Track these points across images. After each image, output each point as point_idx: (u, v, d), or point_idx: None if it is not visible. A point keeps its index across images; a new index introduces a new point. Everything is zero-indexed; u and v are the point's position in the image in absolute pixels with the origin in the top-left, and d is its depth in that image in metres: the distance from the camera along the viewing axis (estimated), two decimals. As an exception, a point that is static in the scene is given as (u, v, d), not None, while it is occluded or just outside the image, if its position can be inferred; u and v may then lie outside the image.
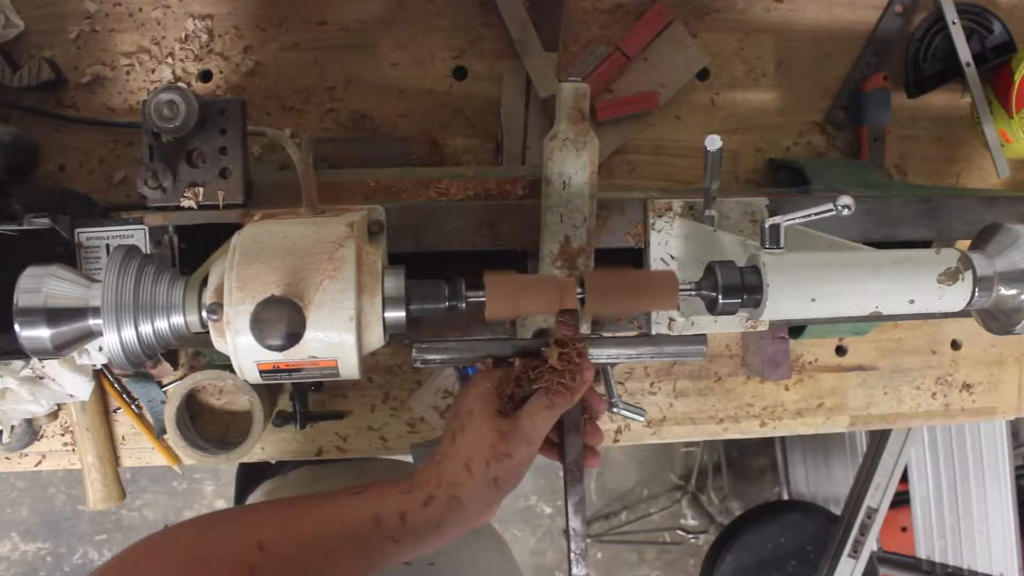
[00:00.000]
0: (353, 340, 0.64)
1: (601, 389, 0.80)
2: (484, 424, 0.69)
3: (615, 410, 0.79)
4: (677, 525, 2.75)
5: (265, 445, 1.10)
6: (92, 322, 0.63)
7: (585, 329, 0.85)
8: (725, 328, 0.87)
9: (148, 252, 0.80)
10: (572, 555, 0.73)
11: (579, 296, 0.67)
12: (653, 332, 0.88)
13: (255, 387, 1.03)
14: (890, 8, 1.17)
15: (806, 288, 0.65)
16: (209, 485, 2.53)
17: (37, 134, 1.02)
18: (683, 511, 2.76)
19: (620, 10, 1.12)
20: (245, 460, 1.07)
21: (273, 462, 1.28)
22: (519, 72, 1.08)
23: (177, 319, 0.66)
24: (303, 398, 1.07)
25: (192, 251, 0.83)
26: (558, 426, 0.74)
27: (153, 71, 1.04)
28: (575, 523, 0.73)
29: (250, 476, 1.31)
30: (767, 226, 0.67)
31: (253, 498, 1.18)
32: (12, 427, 1.03)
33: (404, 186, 0.90)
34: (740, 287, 0.66)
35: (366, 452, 1.11)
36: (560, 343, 0.71)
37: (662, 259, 0.86)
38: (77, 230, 0.81)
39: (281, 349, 0.60)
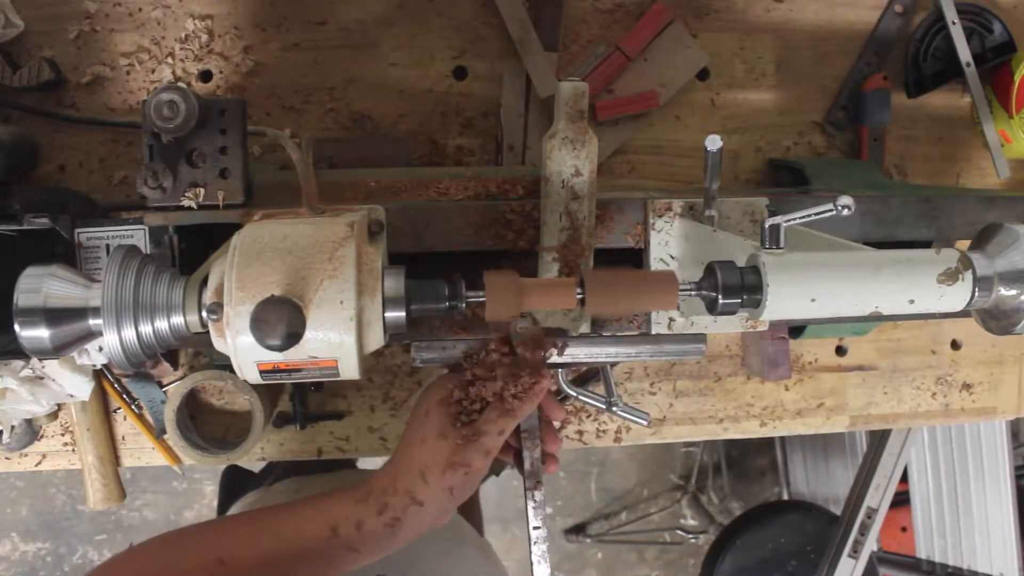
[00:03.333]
0: (353, 340, 0.64)
1: (601, 389, 0.81)
2: (442, 433, 0.70)
3: (614, 411, 0.79)
4: (677, 525, 2.75)
5: (265, 445, 1.10)
6: (92, 322, 0.63)
7: (585, 329, 0.85)
8: (725, 328, 0.87)
9: (148, 252, 0.80)
10: (534, 557, 0.75)
11: (579, 296, 0.67)
12: (653, 332, 0.88)
13: (255, 387, 1.03)
14: (890, 8, 1.17)
15: (806, 288, 0.65)
16: (209, 485, 2.53)
17: (37, 134, 1.02)
18: (683, 511, 2.76)
19: (620, 10, 1.12)
20: (240, 462, 1.07)
21: (256, 471, 1.29)
22: (519, 72, 1.08)
23: (177, 319, 0.66)
24: (303, 398, 1.07)
25: (192, 251, 0.83)
26: (516, 432, 0.74)
27: (153, 71, 1.04)
28: (535, 525, 0.75)
29: (234, 484, 1.32)
30: (767, 226, 0.67)
31: (234, 510, 1.19)
32: (12, 427, 1.03)
33: (404, 186, 0.90)
34: (740, 287, 0.66)
35: (366, 452, 1.11)
36: (503, 350, 0.72)
37: (662, 259, 0.86)
38: (77, 230, 0.81)
39: (281, 349, 0.60)
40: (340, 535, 0.69)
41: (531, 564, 0.74)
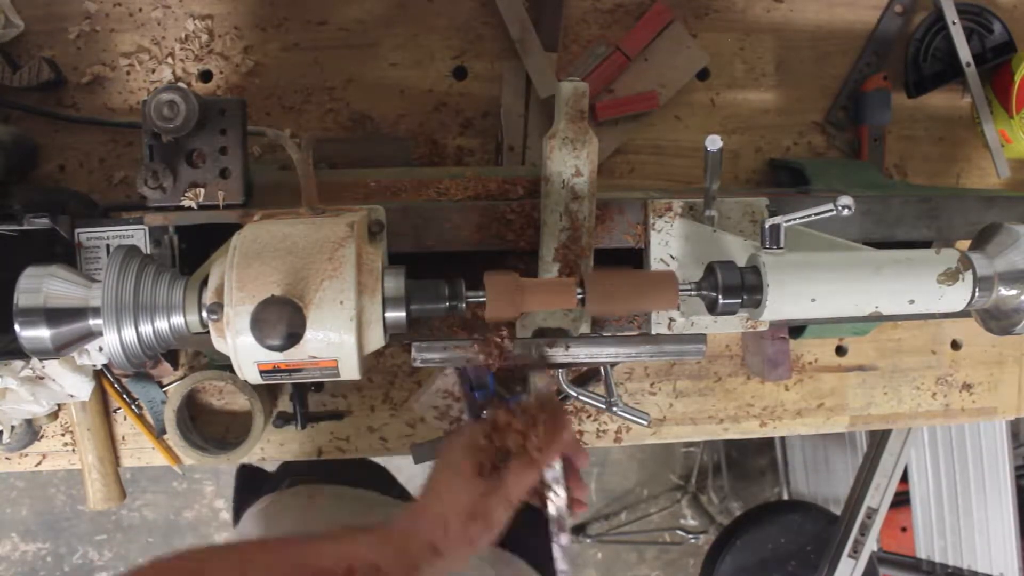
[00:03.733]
0: (353, 340, 0.64)
1: (601, 389, 0.81)
2: (467, 483, 0.70)
3: (615, 411, 0.80)
4: (677, 525, 2.75)
5: (265, 445, 1.10)
6: (92, 322, 0.63)
7: (585, 329, 0.85)
8: (725, 328, 0.87)
9: (148, 252, 0.80)
10: None
11: (579, 296, 0.67)
12: (653, 332, 0.88)
13: (255, 387, 1.03)
14: (890, 8, 1.17)
15: (806, 288, 0.65)
16: (209, 485, 2.53)
17: (37, 134, 1.02)
18: (683, 511, 2.76)
19: (620, 10, 1.12)
20: (245, 460, 1.07)
21: (271, 471, 1.29)
22: (519, 72, 1.08)
23: (177, 319, 0.66)
24: (303, 398, 1.07)
25: (192, 251, 0.83)
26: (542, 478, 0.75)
27: (153, 71, 1.04)
28: (562, 567, 0.76)
29: (249, 484, 1.32)
30: (767, 226, 0.67)
31: (250, 513, 1.20)
32: (12, 427, 1.03)
33: (404, 186, 0.90)
34: (740, 287, 0.66)
35: (366, 452, 1.11)
36: (507, 423, 0.72)
37: (662, 259, 0.86)
38: (77, 230, 0.81)
39: (281, 349, 0.60)
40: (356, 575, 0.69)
41: None
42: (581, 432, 1.15)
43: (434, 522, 0.70)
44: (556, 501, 0.76)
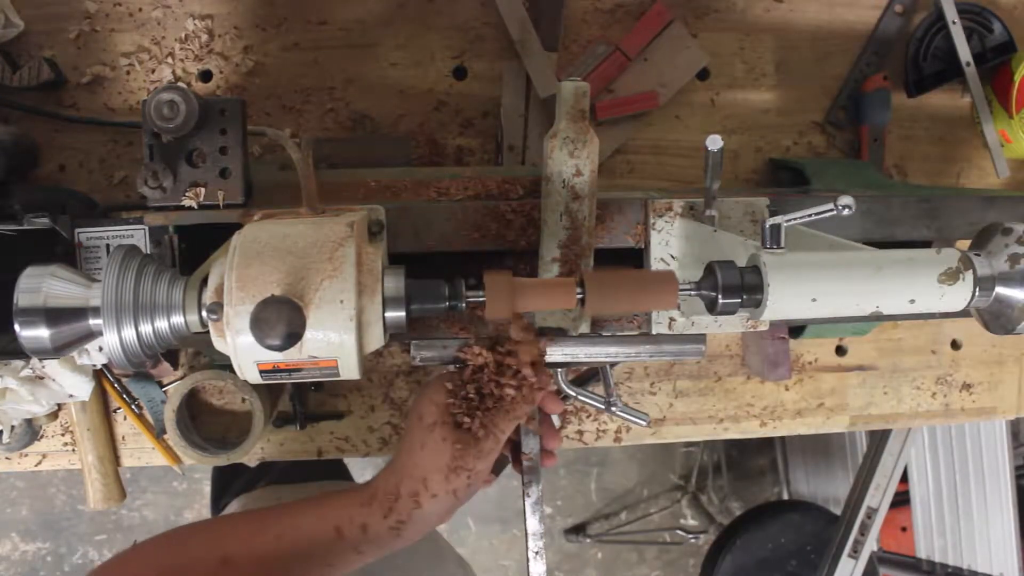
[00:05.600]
0: (353, 340, 0.64)
1: (601, 389, 0.81)
2: (443, 438, 0.70)
3: (613, 410, 0.79)
4: (677, 525, 2.75)
5: (265, 445, 1.10)
6: (92, 322, 0.63)
7: (585, 329, 0.85)
8: (725, 328, 0.87)
9: (148, 252, 0.80)
10: (530, 553, 0.75)
11: (579, 296, 0.67)
12: (653, 332, 0.88)
13: (255, 387, 1.03)
14: (890, 8, 1.17)
15: (807, 288, 0.65)
16: (209, 485, 2.52)
17: (37, 134, 1.02)
18: (683, 511, 2.76)
19: (620, 10, 1.12)
20: (243, 460, 1.07)
21: (252, 465, 1.29)
22: (519, 72, 1.08)
23: (177, 319, 0.66)
24: (303, 398, 1.07)
25: (192, 251, 0.83)
26: (516, 429, 0.74)
27: (153, 71, 1.04)
28: (532, 523, 0.75)
29: (227, 480, 1.33)
30: (767, 226, 0.67)
31: (229, 509, 1.20)
32: (12, 427, 1.03)
33: (404, 186, 0.90)
34: (740, 287, 0.66)
35: (366, 452, 1.11)
36: (498, 350, 0.71)
37: (662, 259, 0.86)
38: (77, 230, 0.81)
39: (281, 349, 0.60)
40: (345, 537, 0.69)
41: (527, 560, 0.75)
42: (581, 432, 1.15)
43: (415, 479, 0.70)
44: (529, 450, 0.75)
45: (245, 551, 0.69)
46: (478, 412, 0.71)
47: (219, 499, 1.32)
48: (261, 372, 0.65)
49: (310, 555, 0.69)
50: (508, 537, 2.63)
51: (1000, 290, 0.68)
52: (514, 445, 0.78)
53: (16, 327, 0.61)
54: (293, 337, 0.60)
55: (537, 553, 0.74)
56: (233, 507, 1.23)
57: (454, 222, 0.84)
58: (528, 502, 0.75)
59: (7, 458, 1.06)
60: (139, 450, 1.08)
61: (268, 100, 1.06)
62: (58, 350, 0.64)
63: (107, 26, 1.03)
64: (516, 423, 0.72)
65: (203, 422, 1.09)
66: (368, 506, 0.70)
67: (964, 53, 1.15)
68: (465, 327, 0.88)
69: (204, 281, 0.67)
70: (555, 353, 0.74)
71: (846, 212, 0.65)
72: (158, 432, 1.06)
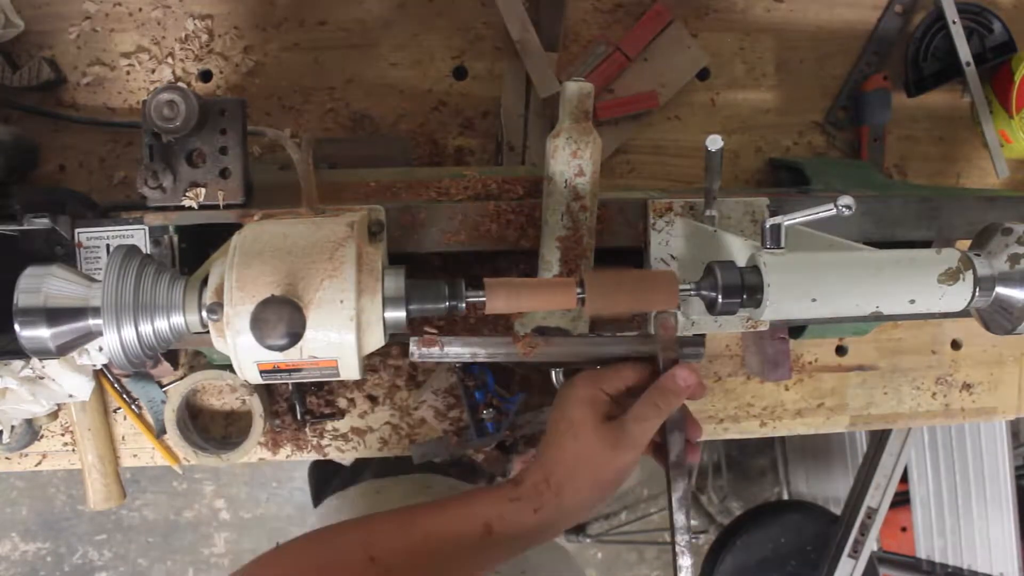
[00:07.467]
0: (353, 340, 0.64)
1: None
2: (593, 432, 0.70)
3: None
4: (677, 525, 2.75)
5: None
6: (92, 322, 0.63)
7: (585, 329, 0.85)
8: (725, 328, 0.87)
9: (148, 252, 0.80)
10: (677, 547, 0.74)
11: (579, 296, 0.67)
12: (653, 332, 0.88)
13: (255, 387, 1.03)
14: (890, 8, 1.17)
15: (807, 288, 0.65)
16: (209, 485, 2.52)
17: (37, 134, 1.02)
18: (683, 511, 2.76)
19: (620, 10, 1.12)
20: (245, 459, 1.07)
21: (346, 463, 1.30)
22: (519, 72, 1.08)
23: (177, 319, 0.66)
24: (303, 398, 1.07)
25: (192, 251, 0.83)
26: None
27: (153, 71, 1.04)
28: (679, 518, 0.74)
29: (325, 476, 1.34)
30: (768, 226, 0.67)
31: (319, 514, 1.24)
32: (12, 427, 1.03)
33: (404, 186, 0.90)
34: (740, 287, 0.66)
35: (366, 452, 1.11)
36: (668, 348, 0.72)
37: (662, 259, 0.86)
38: (77, 230, 0.81)
39: (281, 349, 0.60)
40: (495, 533, 0.69)
41: (673, 555, 0.74)
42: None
43: (563, 473, 0.70)
44: (675, 446, 0.75)
45: (393, 548, 0.68)
46: (623, 402, 0.71)
47: (320, 496, 1.32)
48: (261, 372, 0.65)
49: (458, 552, 0.69)
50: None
51: (1000, 290, 0.68)
52: (656, 444, 0.77)
53: (16, 327, 0.61)
54: (293, 337, 0.60)
55: (684, 547, 0.74)
56: (335, 503, 1.24)
57: (454, 222, 0.84)
58: (675, 497, 0.74)
59: (7, 458, 1.06)
60: (139, 450, 1.08)
61: (268, 100, 1.06)
62: (58, 350, 0.64)
63: (107, 26, 1.03)
64: (664, 417, 0.72)
65: (203, 422, 1.09)
66: (517, 501, 0.70)
67: (964, 53, 1.15)
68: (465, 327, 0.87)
69: (204, 281, 0.67)
70: (553, 353, 0.74)
71: (846, 212, 0.65)
72: (158, 432, 1.06)
